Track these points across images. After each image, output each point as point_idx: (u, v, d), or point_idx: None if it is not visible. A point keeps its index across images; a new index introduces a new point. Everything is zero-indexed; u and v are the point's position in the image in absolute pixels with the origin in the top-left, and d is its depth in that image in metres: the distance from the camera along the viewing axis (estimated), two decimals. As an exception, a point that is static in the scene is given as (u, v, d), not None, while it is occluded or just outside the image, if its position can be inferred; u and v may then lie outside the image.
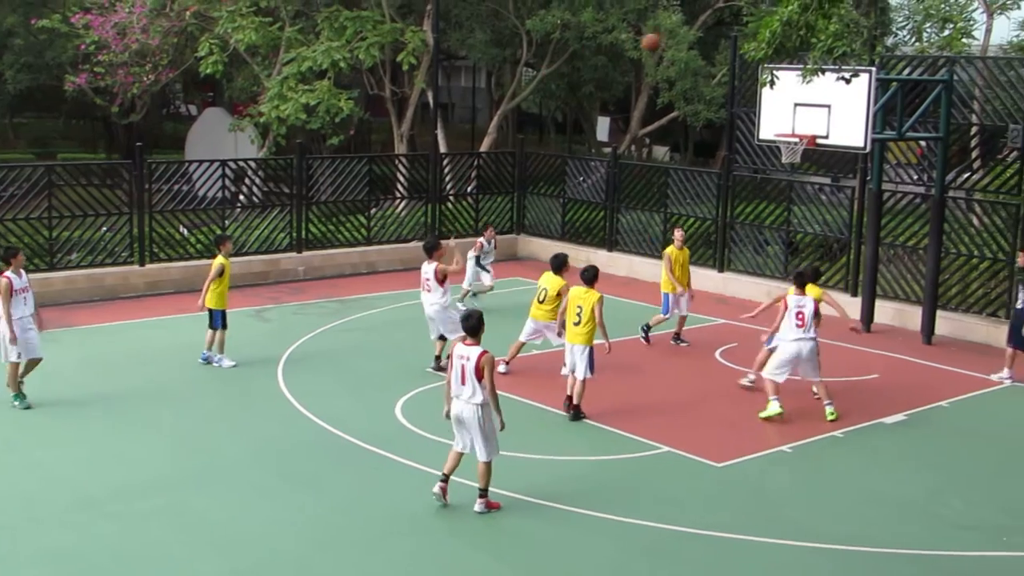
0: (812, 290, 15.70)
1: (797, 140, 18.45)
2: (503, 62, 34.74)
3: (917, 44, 29.66)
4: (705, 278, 23.11)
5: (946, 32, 28.53)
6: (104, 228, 22.37)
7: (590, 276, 15.32)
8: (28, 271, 15.76)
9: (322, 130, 29.03)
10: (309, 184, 25.01)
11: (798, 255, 23.29)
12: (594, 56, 32.67)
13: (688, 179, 25.01)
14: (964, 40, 28.00)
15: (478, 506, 12.02)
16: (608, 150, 30.65)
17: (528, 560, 11.16)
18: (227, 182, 23.87)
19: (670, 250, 19.20)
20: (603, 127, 40.79)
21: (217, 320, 17.21)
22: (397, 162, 27.69)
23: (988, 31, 28.66)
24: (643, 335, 19.26)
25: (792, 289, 15.67)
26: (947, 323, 20.30)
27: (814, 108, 17.98)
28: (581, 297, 15.18)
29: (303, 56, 27.81)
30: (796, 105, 18.21)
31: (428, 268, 16.97)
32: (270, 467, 13.30)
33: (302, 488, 12.69)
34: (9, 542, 11.16)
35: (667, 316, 19.13)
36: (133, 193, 22.49)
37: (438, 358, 17.12)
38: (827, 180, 23.28)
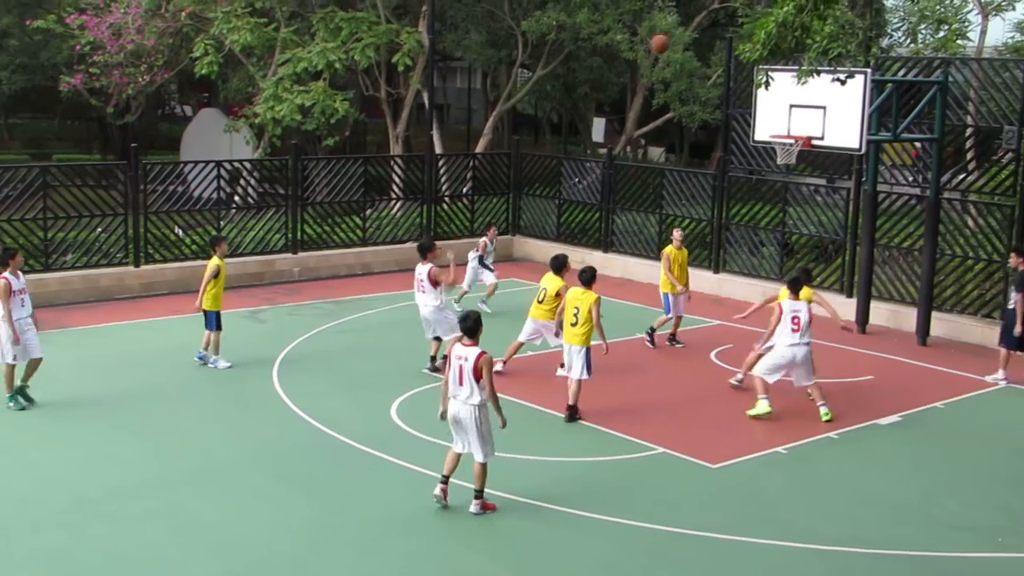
0: (803, 291, 15.74)
1: (792, 141, 18.47)
2: (499, 63, 34.74)
3: (912, 45, 29.69)
4: (700, 279, 23.11)
5: (941, 33, 28.57)
6: (99, 229, 22.34)
7: (588, 277, 15.36)
8: (23, 272, 15.73)
9: (317, 131, 29.02)
10: (304, 185, 25.00)
11: (793, 256, 23.30)
12: (589, 57, 32.68)
13: (683, 180, 25.03)
14: (959, 41, 28.05)
15: (474, 507, 12.02)
16: (604, 151, 30.63)
17: (523, 561, 11.16)
18: (222, 183, 23.86)
19: (669, 250, 19.21)
20: (599, 128, 40.84)
21: (212, 321, 17.20)
22: (392, 163, 27.70)
23: (983, 32, 28.68)
24: (648, 338, 19.20)
25: (786, 294, 15.71)
26: (942, 324, 20.32)
27: (809, 109, 18.00)
28: (578, 298, 15.22)
29: (298, 57, 27.79)
30: (791, 106, 18.23)
31: (422, 269, 16.97)
32: (265, 468, 13.29)
33: (297, 489, 12.68)
34: (3, 543, 11.14)
35: (670, 316, 19.13)
36: (128, 194, 22.47)
37: (433, 359, 17.12)
38: (822, 181, 23.28)
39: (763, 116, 18.96)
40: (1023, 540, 11.94)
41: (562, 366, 16.80)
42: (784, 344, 15.36)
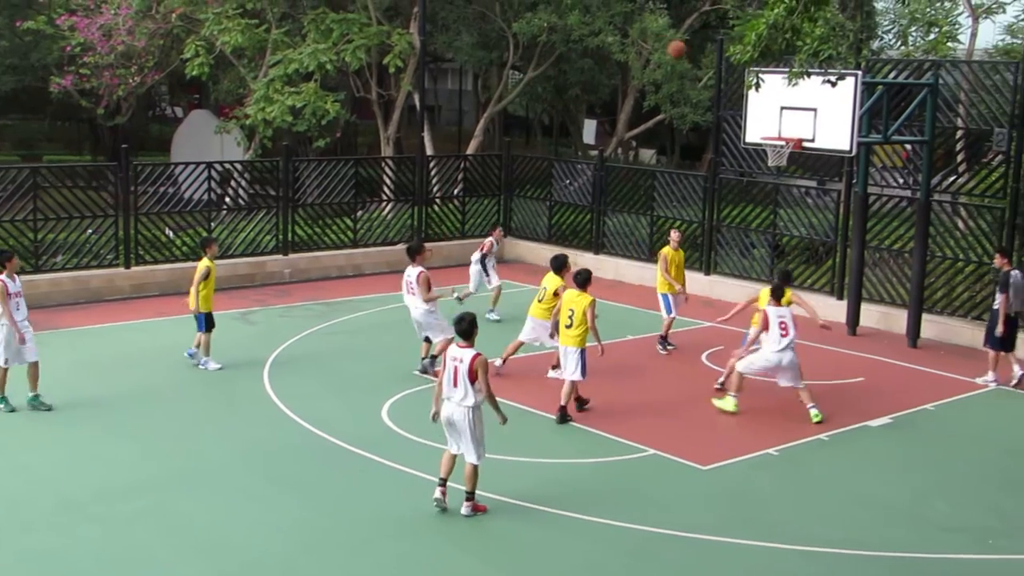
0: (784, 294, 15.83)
1: (783, 143, 18.49)
2: (489, 65, 34.73)
3: (903, 48, 29.74)
4: (691, 281, 22.96)
5: (932, 36, 28.61)
6: (90, 230, 22.30)
7: (583, 279, 15.43)
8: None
9: (308, 132, 28.98)
10: (295, 186, 24.98)
11: (784, 258, 23.33)
12: (580, 59, 32.67)
13: (674, 182, 25.05)
14: (949, 44, 28.08)
15: (465, 509, 12.01)
16: (594, 153, 30.65)
17: (514, 563, 11.16)
18: (213, 184, 23.83)
19: (666, 251, 19.21)
20: (589, 130, 40.82)
21: (202, 323, 17.17)
22: (383, 164, 27.68)
23: (973, 35, 28.72)
24: (662, 347, 19.14)
25: (767, 298, 15.76)
26: (932, 326, 20.36)
27: (800, 111, 18.03)
28: (573, 300, 15.28)
29: (289, 58, 27.75)
30: (782, 108, 18.27)
31: (412, 271, 16.94)
32: (256, 470, 13.27)
33: (288, 491, 12.66)
34: (-7, 545, 11.13)
35: (673, 316, 19.10)
36: (119, 195, 22.43)
37: (423, 359, 17.12)
38: (813, 183, 23.30)
39: (754, 118, 18.99)
40: (1014, 542, 11.96)
41: (553, 367, 16.86)
42: (772, 350, 15.44)
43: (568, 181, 27.37)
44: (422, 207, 26.87)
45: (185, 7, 28.30)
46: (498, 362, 16.94)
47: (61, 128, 46.18)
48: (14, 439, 14.16)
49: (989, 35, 31.12)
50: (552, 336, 16.32)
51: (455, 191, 28.29)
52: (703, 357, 18.76)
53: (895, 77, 21.10)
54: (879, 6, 32.23)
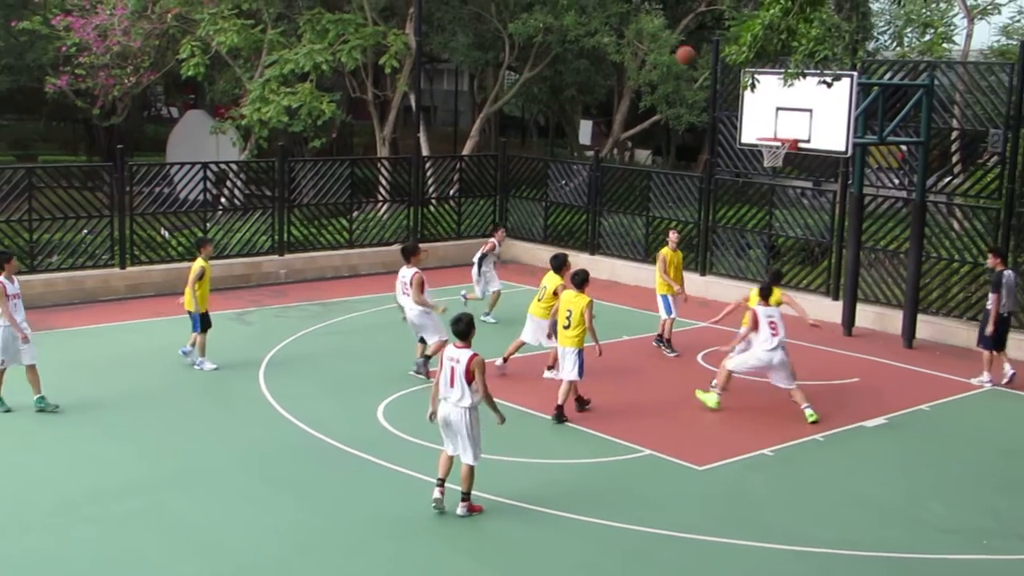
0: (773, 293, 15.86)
1: (779, 144, 18.49)
2: (485, 65, 34.74)
3: (898, 49, 29.83)
4: (687, 281, 22.85)
5: (927, 37, 28.70)
6: (85, 231, 22.27)
7: (580, 280, 15.48)
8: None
9: (304, 133, 28.96)
10: (291, 187, 24.96)
11: (780, 259, 23.34)
12: (576, 60, 32.70)
13: (670, 183, 25.06)
14: (945, 45, 28.18)
15: (460, 509, 12.01)
16: (590, 153, 30.66)
17: (509, 563, 11.16)
18: (208, 185, 23.81)
19: (665, 251, 19.19)
20: (585, 130, 40.85)
21: (197, 323, 17.15)
22: (379, 165, 27.67)
23: (969, 36, 28.80)
24: (668, 350, 19.10)
25: (756, 298, 15.78)
26: (928, 327, 20.38)
27: (796, 112, 18.04)
28: (571, 301, 15.32)
29: (285, 59, 27.72)
30: (778, 109, 18.27)
31: (406, 272, 16.92)
32: (252, 470, 13.26)
33: (284, 491, 12.66)
34: (-12, 546, 11.11)
35: (674, 317, 19.08)
36: (114, 195, 22.41)
37: (417, 361, 17.10)
38: (809, 184, 23.33)
39: (750, 119, 18.99)
40: (1009, 542, 11.98)
41: (549, 368, 16.87)
42: (763, 349, 15.48)
43: (564, 182, 27.37)
44: (418, 208, 26.86)
45: (181, 7, 28.27)
46: (499, 361, 16.98)
47: (56, 128, 46.12)
48: (9, 440, 14.14)
49: (984, 36, 31.21)
50: (549, 336, 16.33)
51: (451, 192, 28.28)
52: (699, 357, 18.76)
53: (891, 78, 21.12)
54: (875, 7, 32.32)
